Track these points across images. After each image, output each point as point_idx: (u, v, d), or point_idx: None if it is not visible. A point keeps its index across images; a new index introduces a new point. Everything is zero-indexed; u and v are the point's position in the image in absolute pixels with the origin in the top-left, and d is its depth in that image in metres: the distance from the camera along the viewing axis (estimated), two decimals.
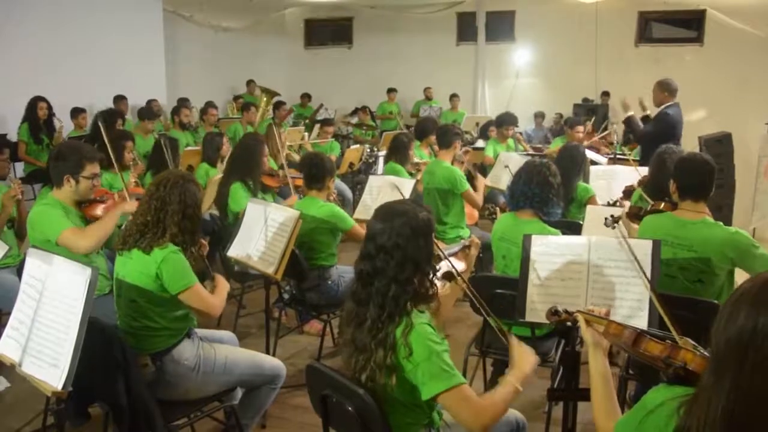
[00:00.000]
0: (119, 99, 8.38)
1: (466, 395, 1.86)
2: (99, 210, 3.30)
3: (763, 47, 10.11)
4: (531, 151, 7.52)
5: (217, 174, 4.94)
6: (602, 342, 1.79)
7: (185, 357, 2.62)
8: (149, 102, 8.71)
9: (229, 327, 4.07)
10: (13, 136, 7.13)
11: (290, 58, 14.00)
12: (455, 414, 1.91)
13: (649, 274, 2.49)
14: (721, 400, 1.20)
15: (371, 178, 5.10)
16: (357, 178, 7.65)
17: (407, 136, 5.78)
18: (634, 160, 5.25)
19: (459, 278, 2.27)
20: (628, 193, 4.18)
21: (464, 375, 3.08)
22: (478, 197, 5.01)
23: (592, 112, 10.50)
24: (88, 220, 3.26)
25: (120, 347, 2.38)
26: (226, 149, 5.42)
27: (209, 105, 8.50)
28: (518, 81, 12.57)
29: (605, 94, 11.43)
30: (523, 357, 2.07)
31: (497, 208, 5.13)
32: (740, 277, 2.96)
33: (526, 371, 2.03)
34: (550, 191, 3.26)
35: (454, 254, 2.46)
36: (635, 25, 11.57)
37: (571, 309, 1.98)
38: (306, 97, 12.23)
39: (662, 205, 3.28)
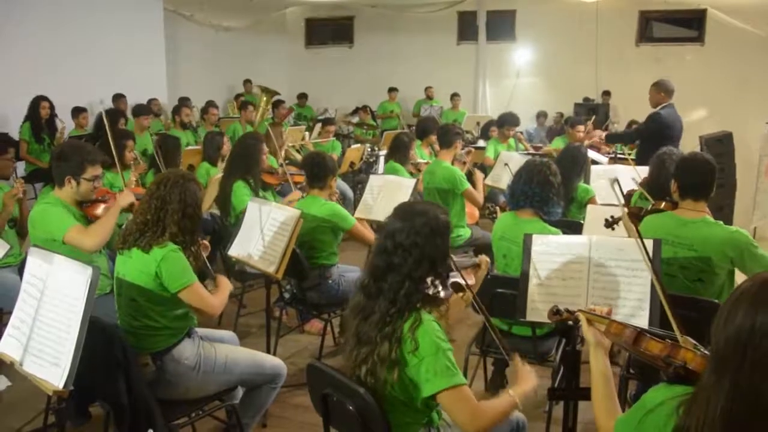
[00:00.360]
0: (118, 97, 8.38)
1: (466, 396, 1.88)
2: (100, 210, 3.30)
3: (764, 47, 10.11)
4: (532, 151, 7.52)
5: (217, 173, 4.94)
6: (603, 341, 1.80)
7: (186, 356, 2.63)
8: (150, 101, 8.71)
9: (230, 326, 4.07)
10: (14, 136, 7.13)
11: (291, 58, 14.00)
12: (453, 413, 1.92)
13: (654, 269, 2.49)
14: (721, 399, 1.20)
15: (372, 177, 5.10)
16: (358, 178, 7.65)
17: (408, 136, 5.79)
18: (632, 160, 5.25)
19: (467, 291, 2.28)
20: (629, 197, 4.19)
21: (464, 375, 3.09)
22: (479, 195, 5.01)
23: (593, 111, 10.50)
24: (89, 219, 3.27)
25: (121, 346, 2.38)
26: (227, 148, 5.42)
27: (210, 104, 8.51)
28: (519, 80, 12.57)
29: (606, 94, 11.43)
30: (525, 377, 2.11)
31: (497, 208, 5.14)
32: (741, 276, 2.97)
33: (527, 390, 2.06)
34: (550, 191, 3.26)
35: (465, 268, 2.48)
36: (636, 25, 11.57)
37: (572, 308, 1.98)
38: (303, 97, 12.21)
39: (663, 204, 3.29)
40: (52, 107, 7.13)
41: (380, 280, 1.99)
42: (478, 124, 9.25)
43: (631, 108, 9.50)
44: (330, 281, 3.81)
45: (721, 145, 6.39)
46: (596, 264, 2.64)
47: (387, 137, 7.87)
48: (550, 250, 2.75)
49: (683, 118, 5.79)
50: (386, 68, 12.80)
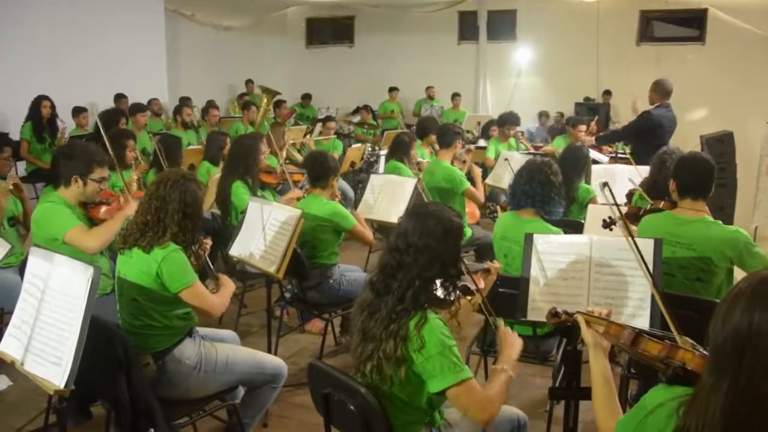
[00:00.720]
0: (119, 98, 8.39)
1: (474, 389, 1.92)
2: (103, 212, 3.32)
3: (765, 46, 10.10)
4: (533, 150, 7.51)
5: (217, 173, 4.95)
6: (603, 343, 1.80)
7: (187, 356, 2.63)
8: (150, 101, 8.71)
9: (231, 326, 4.08)
10: (15, 135, 7.14)
11: (291, 57, 14.00)
12: (463, 407, 1.96)
13: (651, 272, 2.49)
14: (720, 399, 1.20)
15: (372, 177, 5.11)
16: (359, 177, 7.65)
17: (409, 136, 5.79)
18: (633, 159, 5.25)
19: (476, 295, 2.29)
20: (630, 196, 4.19)
21: None
22: (479, 193, 5.01)
23: (594, 111, 10.48)
24: (91, 221, 3.28)
25: (122, 346, 2.38)
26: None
27: (210, 105, 8.51)
28: (520, 80, 12.57)
29: (607, 93, 11.42)
30: (510, 343, 2.16)
31: (498, 207, 5.14)
32: (739, 275, 2.97)
33: (514, 356, 2.11)
34: (551, 190, 3.26)
35: (475, 272, 2.48)
36: (637, 24, 11.56)
37: (573, 308, 1.99)
38: (307, 97, 12.22)
39: (662, 203, 3.29)
40: (53, 107, 7.14)
41: (390, 278, 2.01)
42: (478, 123, 9.25)
43: (631, 108, 9.49)
44: (331, 281, 3.81)
45: (722, 144, 6.38)
46: (597, 264, 2.64)
47: (388, 137, 7.87)
48: (551, 250, 2.75)
49: (684, 118, 5.80)
50: (387, 68, 12.80)
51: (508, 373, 2.04)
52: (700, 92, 9.85)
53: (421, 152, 6.26)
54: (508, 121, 7.19)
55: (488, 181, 5.99)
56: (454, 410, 2.15)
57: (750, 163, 6.80)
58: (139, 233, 2.58)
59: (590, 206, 3.99)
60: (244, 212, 3.96)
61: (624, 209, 3.61)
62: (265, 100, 9.13)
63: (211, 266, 2.93)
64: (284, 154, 6.19)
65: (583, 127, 6.66)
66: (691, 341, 1.56)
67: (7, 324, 2.36)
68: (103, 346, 2.32)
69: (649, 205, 3.46)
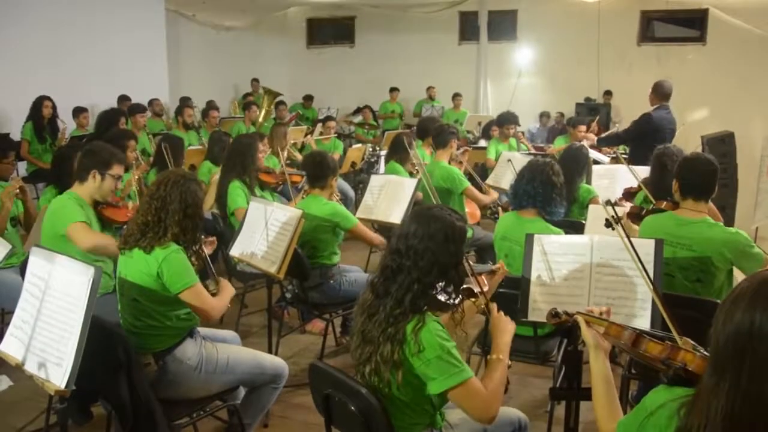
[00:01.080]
0: (123, 99, 8.40)
1: (475, 389, 1.91)
2: (112, 213, 3.37)
3: (766, 46, 10.09)
4: (533, 151, 7.51)
5: (218, 173, 4.95)
6: (603, 343, 1.79)
7: (188, 356, 2.63)
8: (152, 101, 8.72)
9: (232, 326, 4.08)
10: (15, 135, 7.14)
11: (292, 58, 14.01)
12: (465, 407, 1.95)
13: (651, 274, 2.49)
14: (721, 400, 1.20)
15: (373, 177, 5.10)
16: (359, 178, 7.65)
17: (408, 136, 5.78)
18: (624, 159, 5.26)
19: (480, 297, 2.27)
20: (628, 194, 4.18)
21: None
22: (484, 196, 5.02)
23: (595, 111, 10.49)
24: (103, 221, 3.32)
25: (123, 346, 2.39)
26: None
27: (210, 107, 8.51)
28: (520, 80, 12.56)
29: (607, 94, 11.42)
30: (503, 327, 2.14)
31: (499, 207, 5.14)
32: (740, 277, 2.97)
33: (507, 341, 2.10)
34: (553, 190, 3.27)
35: (480, 274, 2.47)
36: (638, 25, 11.56)
37: (574, 308, 1.98)
38: (309, 99, 12.21)
39: (664, 204, 3.28)
40: (54, 107, 7.14)
41: (389, 280, 2.00)
42: (479, 124, 9.25)
43: (633, 108, 9.47)
44: (331, 281, 3.81)
45: (723, 144, 6.38)
46: (598, 264, 2.63)
47: (388, 137, 7.87)
48: (552, 250, 2.74)
49: (685, 118, 5.81)
50: (387, 68, 12.80)
51: (503, 362, 2.03)
52: (700, 92, 9.84)
53: (422, 153, 6.25)
54: (506, 120, 7.19)
55: (489, 181, 5.98)
56: (455, 412, 2.15)
57: (751, 164, 6.79)
58: (140, 234, 2.58)
59: (591, 206, 3.98)
60: (236, 213, 3.97)
61: (625, 209, 3.62)
62: (267, 101, 9.14)
63: (212, 267, 2.93)
64: (285, 154, 6.19)
65: (584, 128, 6.66)
66: (692, 342, 1.56)
67: (8, 324, 2.36)
68: (104, 346, 2.32)
69: (651, 206, 3.46)
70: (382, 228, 4.88)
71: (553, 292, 2.68)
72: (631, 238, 2.55)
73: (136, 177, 4.64)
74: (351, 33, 13.99)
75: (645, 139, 5.50)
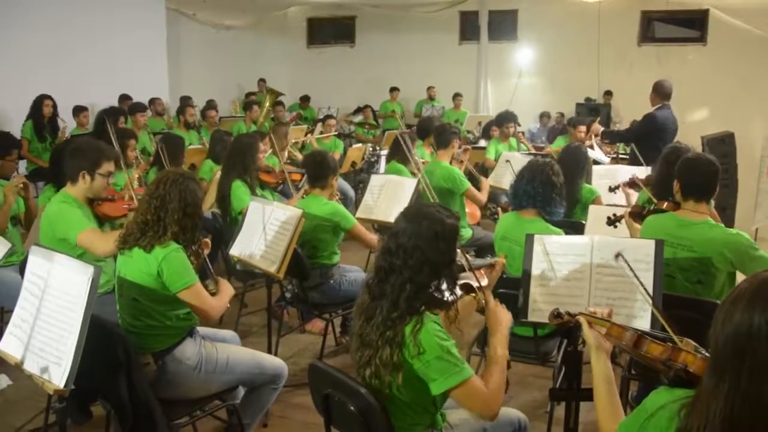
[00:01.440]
0: (124, 98, 8.40)
1: (476, 387, 1.91)
2: (109, 208, 3.34)
3: (766, 47, 10.09)
4: (534, 151, 7.51)
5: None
6: (605, 344, 1.79)
7: (187, 356, 2.62)
8: (153, 100, 8.71)
9: (231, 326, 4.07)
10: (16, 134, 7.12)
11: (293, 57, 14.01)
12: (467, 406, 1.95)
13: (651, 276, 2.49)
14: (721, 401, 1.20)
15: (373, 177, 5.10)
16: (359, 177, 7.65)
17: (409, 136, 5.78)
18: (622, 159, 5.27)
19: (479, 293, 2.26)
20: (632, 183, 4.18)
21: None
22: (482, 195, 5.01)
23: (595, 111, 10.49)
24: (99, 218, 3.29)
25: (122, 345, 2.38)
26: None
27: (209, 106, 8.50)
28: (521, 80, 12.56)
29: (608, 94, 11.41)
30: (497, 319, 2.11)
31: (499, 208, 5.13)
32: (741, 279, 2.97)
33: (504, 332, 2.08)
34: (552, 190, 3.26)
35: (478, 268, 2.45)
36: (638, 25, 11.56)
37: (574, 309, 1.98)
38: (306, 99, 12.20)
39: (665, 204, 3.28)
40: (54, 106, 7.14)
41: (383, 281, 1.98)
42: (479, 124, 9.25)
43: (633, 108, 9.48)
44: (331, 281, 3.81)
45: (723, 145, 6.38)
46: (598, 264, 2.63)
47: (388, 137, 7.87)
48: (552, 251, 2.74)
49: (686, 119, 5.82)
50: (388, 68, 12.80)
51: (503, 356, 2.02)
52: (701, 93, 9.85)
53: (422, 152, 6.25)
54: (505, 119, 7.18)
55: (489, 181, 5.98)
56: (456, 412, 2.15)
57: (751, 164, 6.79)
58: (140, 233, 2.58)
59: (591, 207, 3.98)
60: (242, 213, 3.96)
61: (627, 208, 3.61)
62: (268, 101, 9.15)
63: (210, 267, 2.93)
64: (286, 154, 6.19)
65: (584, 128, 6.66)
66: (694, 343, 1.56)
67: (7, 323, 2.35)
68: (103, 345, 2.32)
69: (652, 205, 3.46)
70: (383, 228, 4.87)
71: (554, 293, 2.68)
72: (632, 239, 2.55)
73: (136, 176, 4.63)
74: (351, 33, 13.99)
75: (648, 139, 5.51)
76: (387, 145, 7.37)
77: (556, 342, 3.10)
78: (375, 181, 4.97)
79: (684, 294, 2.85)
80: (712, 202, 3.17)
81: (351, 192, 7.07)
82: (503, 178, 5.71)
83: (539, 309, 2.68)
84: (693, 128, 7.63)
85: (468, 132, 9.59)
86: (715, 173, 2.94)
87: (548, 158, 3.66)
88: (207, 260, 2.90)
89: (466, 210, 5.04)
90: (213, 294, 2.74)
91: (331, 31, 14.34)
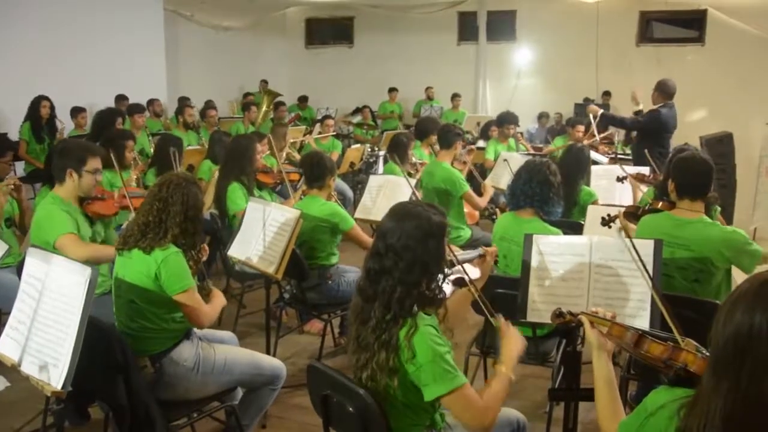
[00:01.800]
0: (120, 99, 8.39)
1: (468, 396, 1.87)
2: (99, 207, 3.31)
3: (765, 47, 10.10)
4: (532, 151, 7.51)
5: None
6: (606, 344, 1.78)
7: (184, 358, 2.62)
8: (151, 101, 8.71)
9: (230, 326, 4.07)
10: (14, 135, 7.13)
11: (291, 58, 14.01)
12: (458, 415, 1.92)
13: (651, 275, 2.48)
14: (721, 401, 1.20)
15: (371, 178, 5.09)
16: (358, 178, 7.65)
17: (407, 136, 5.78)
18: (620, 159, 5.27)
19: (471, 286, 2.25)
20: (640, 178, 4.19)
21: (465, 375, 3.08)
22: (481, 200, 5.00)
23: None
24: (90, 217, 3.27)
25: (120, 347, 2.37)
26: None
27: (208, 106, 8.50)
28: (519, 81, 12.56)
29: (606, 94, 11.41)
30: (512, 342, 2.09)
31: (497, 209, 5.13)
32: (737, 274, 2.98)
33: (515, 357, 2.05)
34: (550, 190, 3.26)
35: (470, 261, 2.44)
36: (636, 25, 11.56)
37: (573, 309, 1.97)
38: (304, 100, 12.18)
39: (660, 204, 3.28)
40: (52, 107, 7.13)
41: (375, 283, 1.95)
42: (478, 124, 9.23)
43: (632, 108, 9.48)
44: (330, 282, 3.81)
45: (722, 145, 6.39)
46: (597, 264, 2.63)
47: (387, 137, 7.87)
48: (550, 251, 2.74)
49: (684, 119, 5.83)
50: (386, 68, 12.80)
51: (508, 375, 1.98)
52: (699, 93, 9.85)
53: (421, 153, 6.25)
54: (506, 120, 7.19)
55: (487, 182, 5.98)
56: None
57: (749, 164, 6.80)
58: (140, 234, 2.57)
59: (590, 207, 3.98)
60: (241, 214, 3.95)
61: (622, 208, 3.61)
62: (267, 101, 9.15)
63: (205, 273, 2.92)
64: (284, 155, 6.18)
65: (582, 128, 6.66)
66: (695, 343, 1.55)
67: (4, 325, 2.35)
68: (101, 347, 2.31)
69: (647, 205, 3.46)
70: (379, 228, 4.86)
71: (552, 293, 2.67)
72: (628, 241, 2.55)
73: (134, 177, 4.62)
74: (350, 33, 13.99)
75: (650, 136, 5.52)
76: (385, 145, 7.37)
77: (555, 342, 3.09)
78: (373, 181, 4.97)
79: (682, 293, 2.85)
80: (718, 208, 3.17)
81: (349, 192, 7.07)
82: (501, 178, 5.71)
83: (538, 309, 2.67)
84: (691, 128, 7.62)
85: (467, 132, 9.58)
86: (709, 172, 2.95)
87: (546, 158, 3.66)
88: (202, 266, 2.89)
89: (465, 210, 5.03)
90: (207, 294, 2.73)
91: (329, 32, 14.34)
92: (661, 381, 1.50)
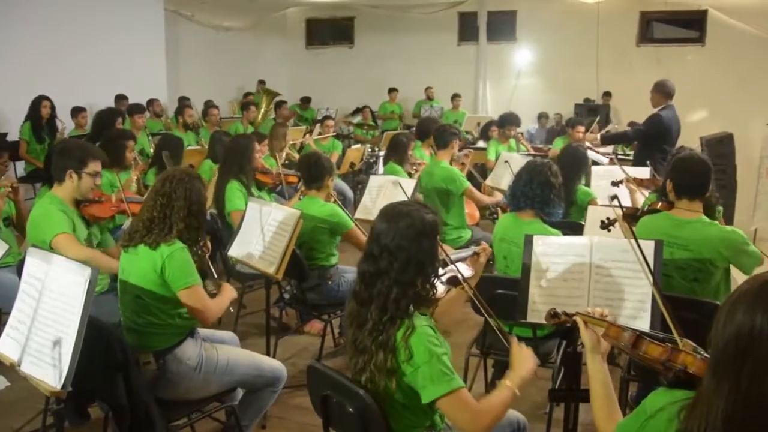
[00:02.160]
0: (120, 99, 8.39)
1: (464, 400, 1.86)
2: (96, 210, 3.31)
3: (765, 47, 10.09)
4: (532, 152, 7.51)
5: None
6: (601, 345, 1.78)
7: (188, 356, 2.62)
8: (151, 102, 8.71)
9: (230, 327, 4.06)
10: (14, 135, 7.14)
11: (291, 58, 14.01)
12: (453, 418, 1.91)
13: (653, 274, 2.48)
14: (721, 403, 1.19)
15: (371, 178, 5.10)
16: (358, 178, 7.64)
17: (407, 137, 5.78)
18: (619, 160, 5.26)
19: (465, 284, 2.25)
20: (638, 182, 4.20)
21: (465, 376, 3.08)
22: (485, 197, 5.01)
23: (594, 112, 10.49)
24: (86, 219, 3.27)
25: (120, 347, 2.37)
26: None
27: (209, 105, 8.50)
28: (519, 81, 12.56)
29: (606, 95, 11.42)
30: (522, 361, 2.05)
31: (498, 208, 5.13)
32: (735, 273, 2.98)
33: (524, 376, 2.01)
34: (551, 192, 3.25)
35: (463, 260, 2.44)
36: (637, 25, 11.56)
37: (573, 309, 1.96)
38: (306, 101, 12.19)
39: (659, 204, 3.28)
40: (52, 107, 7.13)
41: (370, 286, 1.95)
42: (478, 124, 9.23)
43: (632, 109, 9.51)
44: (330, 282, 3.81)
45: (722, 146, 6.39)
46: (597, 265, 2.63)
47: (387, 137, 7.86)
48: (550, 251, 2.74)
49: (684, 119, 5.80)
50: (386, 69, 12.80)
51: (512, 390, 1.94)
52: (700, 94, 9.85)
53: (421, 153, 6.25)
54: (508, 121, 7.18)
55: (488, 182, 5.98)
56: None
57: (750, 165, 6.80)
58: (145, 230, 2.58)
59: (590, 208, 3.97)
60: (233, 215, 3.95)
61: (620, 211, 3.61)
62: (266, 101, 9.14)
63: (211, 267, 2.92)
64: (284, 155, 6.18)
65: (582, 128, 6.66)
66: (693, 344, 1.55)
67: (4, 324, 2.35)
68: (101, 347, 2.31)
69: (646, 206, 3.45)
70: None
71: (553, 293, 2.67)
72: (631, 239, 2.54)
73: (135, 177, 4.62)
74: (350, 33, 13.99)
75: (654, 140, 5.50)
76: (385, 146, 7.37)
77: (556, 343, 3.09)
78: (373, 182, 4.97)
79: (681, 293, 2.85)
80: (721, 209, 3.17)
81: (350, 193, 7.07)
82: (502, 179, 5.71)
83: (538, 310, 2.67)
84: (692, 129, 7.62)
85: (467, 133, 9.59)
86: (707, 172, 2.95)
87: (547, 159, 3.65)
88: (208, 261, 2.89)
89: (466, 210, 5.04)
90: (213, 295, 2.74)
91: (329, 32, 14.34)
92: (660, 382, 1.50)
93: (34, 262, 2.29)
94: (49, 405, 2.38)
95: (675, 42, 11.42)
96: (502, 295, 2.93)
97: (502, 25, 12.53)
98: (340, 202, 4.09)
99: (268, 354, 3.44)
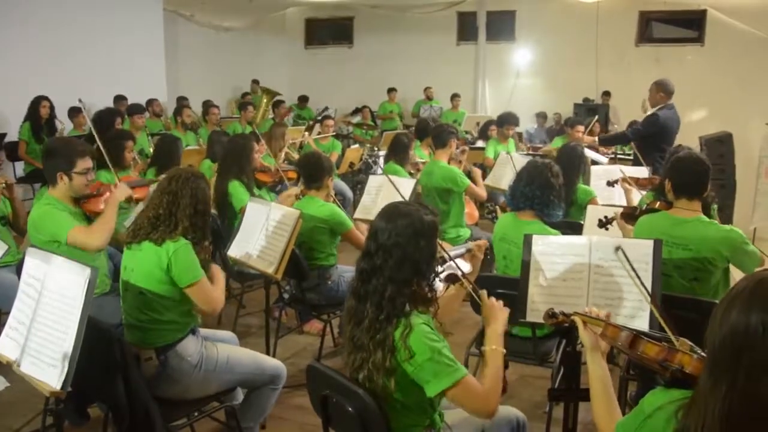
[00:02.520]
0: (119, 99, 8.39)
1: (471, 386, 1.88)
2: (97, 204, 3.30)
3: (764, 47, 10.10)
4: (530, 151, 7.52)
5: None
6: (600, 344, 1.78)
7: (189, 353, 2.63)
8: (150, 102, 8.71)
9: (229, 326, 4.07)
10: (13, 135, 7.13)
11: (291, 58, 14.00)
12: (464, 405, 1.93)
13: (650, 276, 2.48)
14: (718, 401, 1.20)
15: (371, 178, 5.10)
16: (357, 178, 7.64)
17: (407, 136, 5.78)
18: (618, 159, 5.26)
19: (464, 281, 2.25)
20: (643, 184, 4.20)
21: None
22: (481, 190, 5.01)
23: (593, 112, 10.49)
24: (88, 216, 3.26)
25: (119, 347, 2.37)
26: None
27: (209, 105, 8.49)
28: (519, 81, 12.56)
29: (606, 94, 11.42)
30: (494, 314, 2.08)
31: (497, 208, 5.14)
32: (736, 274, 2.98)
33: (500, 331, 2.04)
34: (551, 193, 3.25)
35: (460, 256, 2.45)
36: (636, 25, 11.56)
37: (572, 309, 1.97)
38: (304, 99, 12.18)
39: (658, 204, 3.28)
40: (51, 107, 7.13)
41: (366, 283, 1.96)
42: (477, 124, 9.24)
43: (631, 109, 9.50)
44: (329, 282, 3.81)
45: (721, 145, 6.39)
46: (597, 265, 2.63)
47: (387, 137, 7.87)
48: (550, 251, 2.74)
49: (683, 119, 5.79)
50: (386, 68, 12.80)
51: (499, 351, 1.99)
52: (699, 93, 9.85)
53: (420, 153, 6.25)
54: (507, 121, 7.19)
55: (487, 181, 5.98)
56: (454, 412, 2.14)
57: (749, 164, 6.81)
58: (151, 227, 2.60)
59: (589, 207, 3.98)
60: (244, 210, 3.94)
61: (619, 210, 3.62)
62: (265, 101, 9.14)
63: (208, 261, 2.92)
64: (283, 155, 6.18)
65: (582, 128, 6.66)
66: (690, 343, 1.55)
67: (3, 324, 2.35)
68: (100, 347, 2.31)
69: (644, 206, 3.46)
70: None
71: (552, 293, 2.67)
72: (630, 239, 2.55)
73: (134, 177, 4.61)
74: (349, 33, 13.98)
75: (652, 140, 5.51)
76: (385, 145, 7.37)
77: (555, 342, 3.10)
78: (373, 181, 4.97)
79: (680, 292, 2.86)
80: (716, 206, 3.16)
81: (349, 193, 7.07)
82: (502, 178, 5.71)
83: (537, 309, 2.67)
84: (691, 129, 7.62)
85: (466, 132, 9.59)
86: (705, 171, 2.95)
87: (548, 159, 3.65)
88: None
89: (465, 210, 5.04)
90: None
91: (329, 32, 14.34)
92: (658, 382, 1.50)
93: (34, 262, 2.29)
94: (49, 405, 2.38)
95: (674, 42, 11.43)
96: (501, 294, 2.92)
97: (502, 25, 12.53)
98: (339, 202, 4.10)
99: (267, 354, 3.44)
